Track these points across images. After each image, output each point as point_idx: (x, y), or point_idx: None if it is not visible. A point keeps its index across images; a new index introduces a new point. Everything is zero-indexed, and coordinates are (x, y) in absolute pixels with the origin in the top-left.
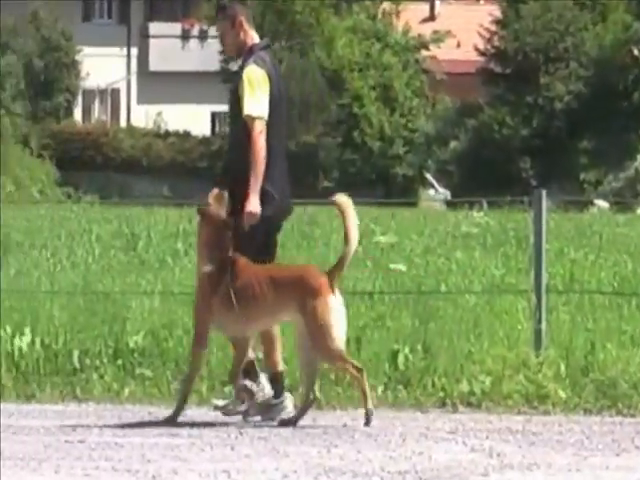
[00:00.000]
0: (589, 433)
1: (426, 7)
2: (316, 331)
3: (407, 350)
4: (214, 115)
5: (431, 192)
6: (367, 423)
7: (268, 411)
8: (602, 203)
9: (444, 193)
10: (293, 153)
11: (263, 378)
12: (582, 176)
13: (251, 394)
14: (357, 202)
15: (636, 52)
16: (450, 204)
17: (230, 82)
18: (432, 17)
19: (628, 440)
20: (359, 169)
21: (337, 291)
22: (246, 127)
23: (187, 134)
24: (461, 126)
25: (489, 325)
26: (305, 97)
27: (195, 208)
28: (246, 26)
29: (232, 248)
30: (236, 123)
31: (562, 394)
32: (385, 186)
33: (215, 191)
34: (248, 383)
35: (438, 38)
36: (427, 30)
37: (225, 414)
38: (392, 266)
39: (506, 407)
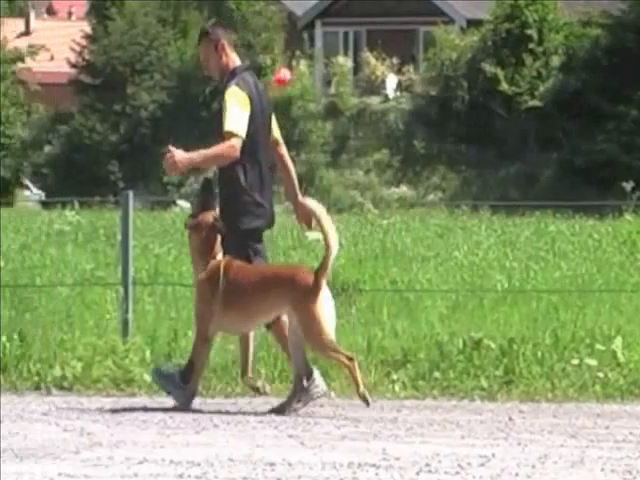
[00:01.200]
0: (171, 413)
1: (22, 22)
2: (308, 326)
3: (4, 338)
4: None
5: (27, 193)
6: (367, 403)
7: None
8: (184, 203)
9: (39, 194)
10: None
11: (316, 373)
12: (165, 178)
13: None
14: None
15: None
16: (45, 204)
17: None
18: (28, 32)
19: (207, 419)
20: None
21: (326, 288)
22: None
23: None
24: (55, 132)
25: (80, 315)
26: None
27: (184, 224)
28: (228, 49)
29: (223, 251)
30: (222, 141)
31: (147, 378)
32: None
33: (198, 201)
34: (260, 384)
35: (33, 51)
36: (23, 44)
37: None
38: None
39: (96, 390)
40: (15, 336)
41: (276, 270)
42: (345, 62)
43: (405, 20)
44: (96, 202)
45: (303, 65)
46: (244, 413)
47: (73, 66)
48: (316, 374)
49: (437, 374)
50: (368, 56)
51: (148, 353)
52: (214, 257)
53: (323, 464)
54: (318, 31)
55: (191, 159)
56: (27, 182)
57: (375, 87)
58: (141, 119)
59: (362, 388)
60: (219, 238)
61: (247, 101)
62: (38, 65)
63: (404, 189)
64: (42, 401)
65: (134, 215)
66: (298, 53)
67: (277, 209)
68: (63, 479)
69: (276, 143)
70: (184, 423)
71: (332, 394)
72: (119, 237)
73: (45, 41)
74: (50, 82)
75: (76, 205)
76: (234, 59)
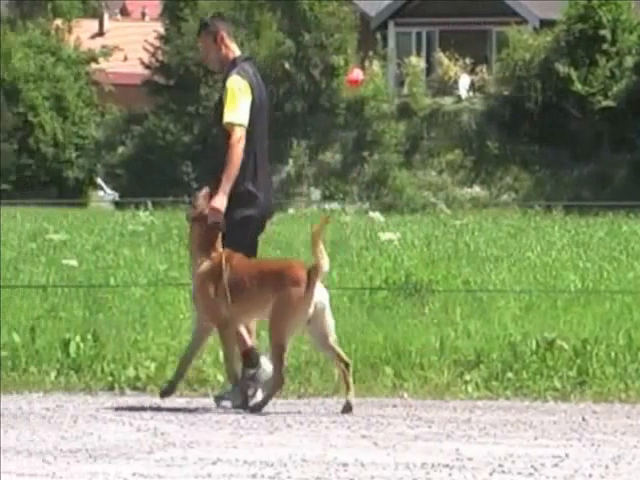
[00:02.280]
0: (245, 413)
1: (96, 24)
2: (277, 317)
3: (78, 339)
4: None
5: (100, 193)
6: (347, 410)
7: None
8: None
9: (112, 194)
10: None
11: (263, 358)
12: None
13: (256, 381)
14: (32, 203)
15: (287, 66)
16: (118, 205)
17: None
18: (101, 33)
19: (280, 419)
20: (34, 172)
21: (318, 286)
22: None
23: None
24: (128, 133)
25: (154, 315)
26: None
27: (185, 215)
28: (227, 41)
29: (222, 245)
30: (221, 132)
31: (220, 378)
32: (58, 188)
33: (204, 191)
34: (252, 371)
35: (106, 52)
36: (97, 45)
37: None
38: None
39: None
40: (89, 336)
41: (272, 264)
42: (418, 62)
43: (478, 20)
44: (169, 202)
45: (376, 66)
46: (317, 413)
47: (146, 67)
48: (264, 360)
49: (510, 375)
50: (441, 56)
51: (222, 353)
52: (215, 250)
53: (396, 464)
54: (391, 31)
55: (224, 192)
56: (101, 183)
57: (448, 87)
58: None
59: (351, 396)
60: (218, 231)
61: (248, 89)
62: (111, 66)
63: (477, 189)
64: (116, 401)
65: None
66: (371, 54)
67: (350, 209)
68: (137, 479)
69: (266, 139)
70: (257, 423)
71: (405, 395)
72: None
73: (118, 42)
74: (123, 83)
75: (149, 206)
76: (234, 50)
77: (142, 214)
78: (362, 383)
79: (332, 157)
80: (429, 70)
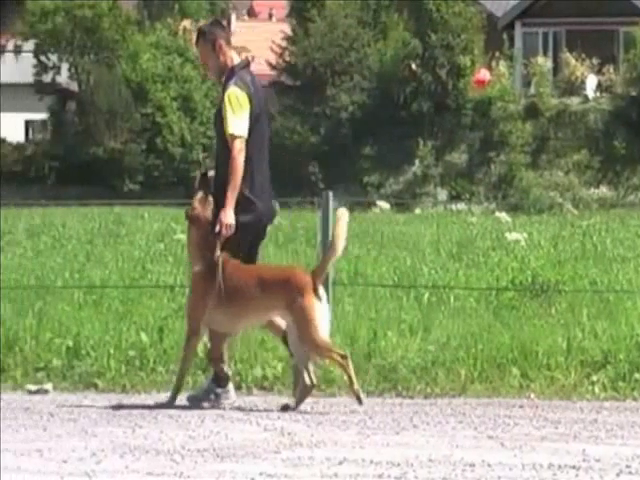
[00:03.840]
0: (371, 413)
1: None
2: (303, 327)
3: (206, 339)
4: (28, 123)
5: None
6: (360, 402)
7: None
8: (384, 204)
9: None
10: (99, 158)
11: (231, 385)
12: (365, 179)
13: (217, 400)
14: (160, 203)
15: (414, 66)
16: None
17: (42, 93)
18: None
19: (407, 419)
20: (162, 173)
21: (321, 289)
22: (228, 144)
23: (3, 140)
24: None
25: None
26: (111, 107)
27: (184, 212)
28: (225, 48)
29: (220, 249)
30: (221, 141)
31: (347, 378)
32: (186, 188)
33: (200, 194)
34: (218, 390)
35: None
36: None
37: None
38: None
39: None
40: None
41: (271, 271)
42: (544, 62)
43: (605, 20)
44: (296, 203)
45: (502, 66)
46: (444, 414)
47: (273, 68)
48: (230, 386)
49: (637, 375)
50: (568, 56)
51: (348, 353)
52: (212, 252)
53: (523, 465)
54: (518, 31)
55: (230, 207)
56: None
57: (575, 88)
58: (341, 120)
59: (356, 385)
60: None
61: (246, 100)
62: None
63: (604, 190)
64: (243, 401)
65: (333, 216)
66: (497, 54)
67: (477, 209)
68: (264, 479)
69: (266, 145)
70: (384, 423)
71: (531, 395)
72: (319, 238)
73: (246, 42)
74: None
75: (276, 206)
76: (232, 57)
77: None
78: (489, 383)
79: (459, 157)
80: (556, 70)
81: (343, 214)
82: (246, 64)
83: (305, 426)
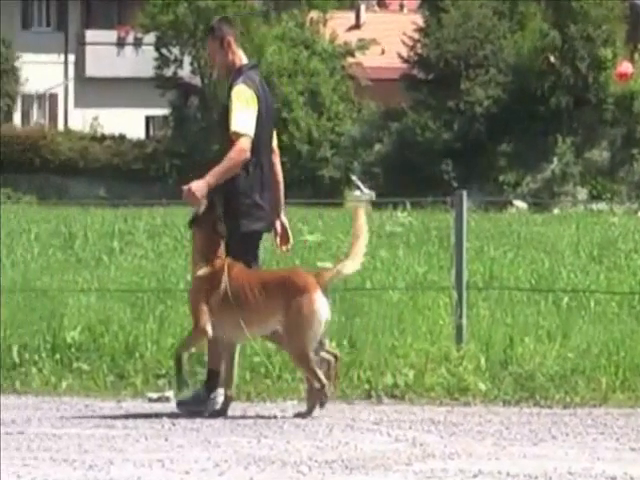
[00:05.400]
0: (508, 424)
1: (352, 16)
2: (292, 334)
3: (334, 344)
4: (148, 119)
5: (357, 193)
6: (307, 413)
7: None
8: (520, 203)
9: (369, 194)
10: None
11: (221, 390)
12: (501, 177)
13: (207, 405)
14: (287, 202)
15: (552, 59)
16: (375, 204)
17: (163, 88)
18: (358, 25)
19: (545, 430)
20: (288, 171)
21: (320, 293)
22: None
23: (122, 137)
24: (385, 130)
25: (412, 320)
26: None
27: (188, 220)
28: (234, 46)
29: (225, 254)
30: (226, 140)
31: (482, 386)
32: (313, 187)
33: (205, 200)
34: (210, 395)
35: (363, 45)
36: (353, 38)
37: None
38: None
39: (428, 399)
40: (345, 342)
41: (272, 273)
42: None
43: None
44: (428, 202)
45: None
46: (584, 424)
47: (405, 61)
48: (221, 391)
49: None
50: None
51: (483, 360)
52: (217, 257)
53: None
54: None
55: (207, 183)
56: (357, 182)
57: None
58: (476, 116)
59: (317, 396)
60: (221, 240)
61: (255, 99)
62: (369, 59)
63: None
64: (373, 410)
65: (468, 216)
66: None
67: (619, 209)
68: None
69: (271, 150)
70: (520, 434)
71: None
72: (452, 239)
73: (376, 35)
74: (381, 77)
75: (408, 206)
76: (240, 56)
77: (400, 214)
78: (632, 392)
79: (599, 155)
80: None
81: (359, 212)
82: (254, 65)
83: (438, 437)
